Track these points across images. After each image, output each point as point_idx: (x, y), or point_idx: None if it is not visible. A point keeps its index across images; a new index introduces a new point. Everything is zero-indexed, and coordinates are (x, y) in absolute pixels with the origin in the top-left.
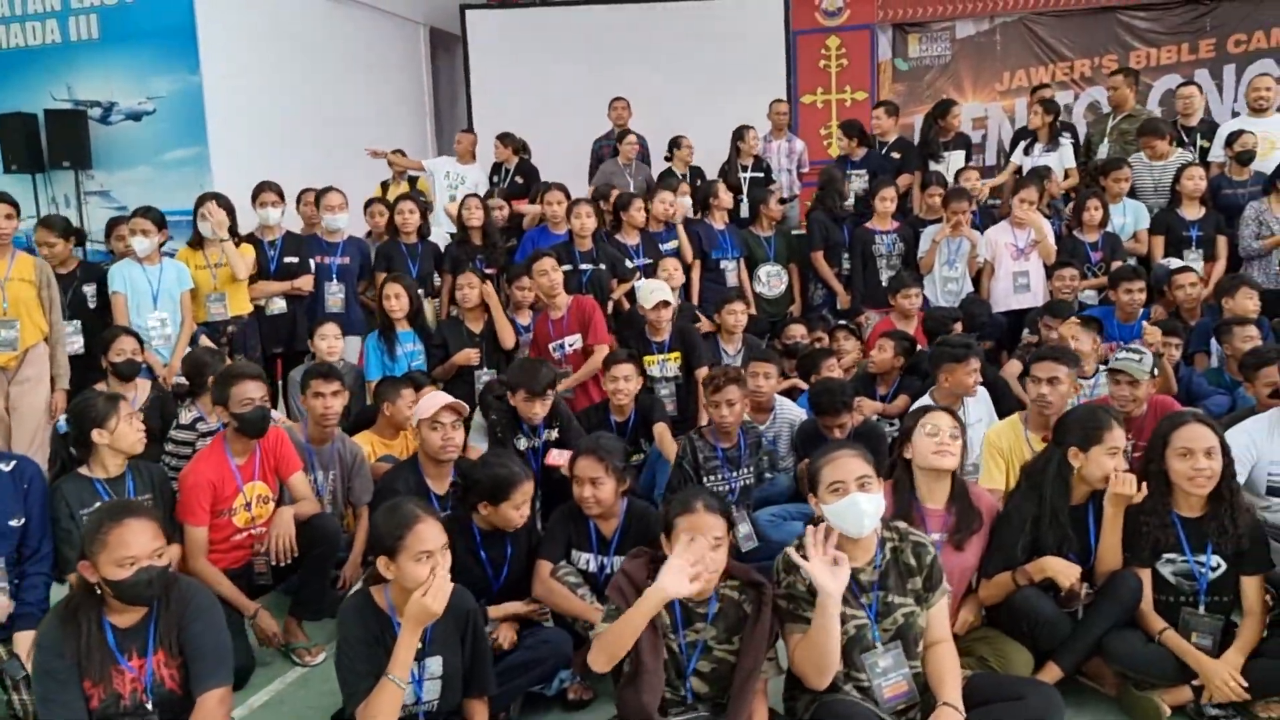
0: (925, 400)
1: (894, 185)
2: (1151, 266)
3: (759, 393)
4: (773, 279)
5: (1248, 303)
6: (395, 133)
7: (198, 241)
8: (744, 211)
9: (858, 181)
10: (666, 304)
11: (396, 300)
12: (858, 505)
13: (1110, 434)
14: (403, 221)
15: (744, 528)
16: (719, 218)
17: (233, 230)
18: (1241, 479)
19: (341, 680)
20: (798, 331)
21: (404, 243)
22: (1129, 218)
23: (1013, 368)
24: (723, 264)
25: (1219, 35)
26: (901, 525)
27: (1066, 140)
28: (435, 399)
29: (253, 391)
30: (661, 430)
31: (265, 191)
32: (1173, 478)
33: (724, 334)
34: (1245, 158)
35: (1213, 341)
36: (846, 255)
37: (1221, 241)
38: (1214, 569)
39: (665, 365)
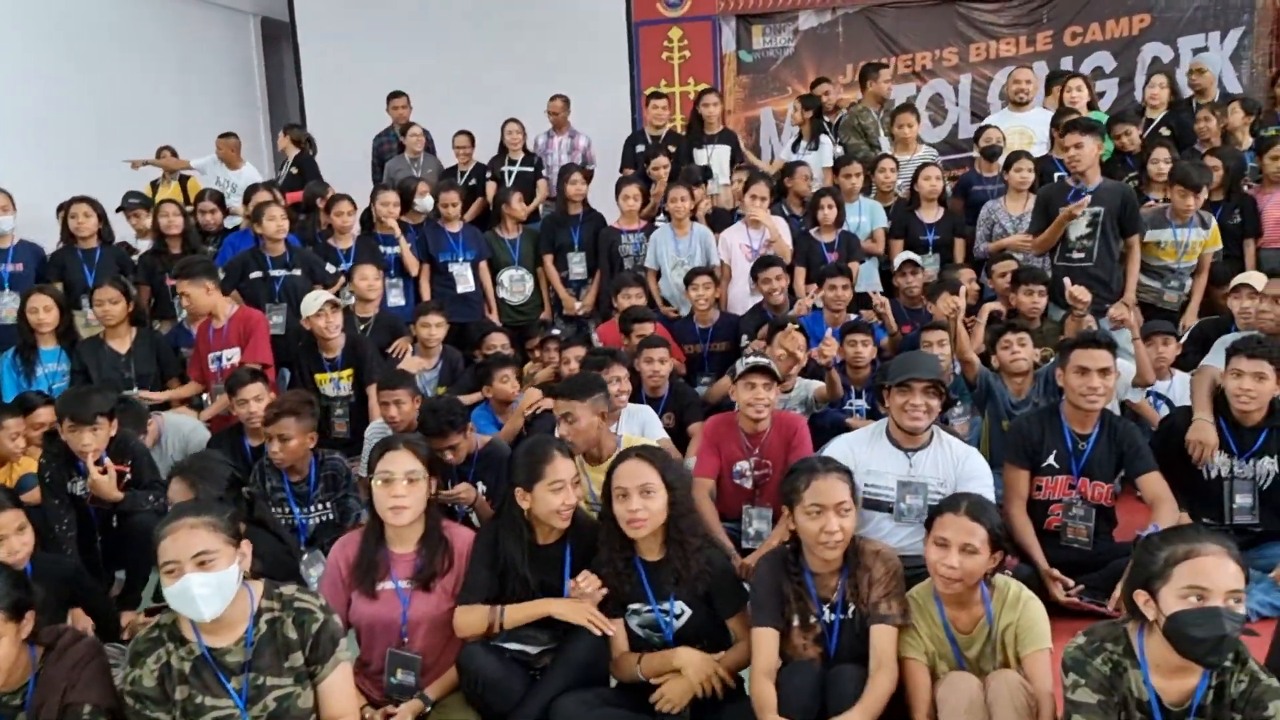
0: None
1: (637, 183)
2: None
3: (393, 421)
4: (515, 284)
5: (941, 306)
6: (223, 127)
7: None
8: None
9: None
10: (324, 313)
11: (45, 314)
12: (189, 591)
13: (552, 466)
14: (77, 225)
15: (314, 571)
16: (452, 219)
17: None
18: None
19: None
20: (498, 341)
21: (80, 248)
22: (865, 217)
23: (722, 385)
24: (451, 267)
25: (1055, 28)
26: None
27: (827, 139)
28: None
29: None
30: None
31: None
32: (618, 522)
33: (421, 348)
34: (991, 153)
35: None
36: (579, 256)
37: (959, 244)
38: (678, 616)
39: (339, 383)
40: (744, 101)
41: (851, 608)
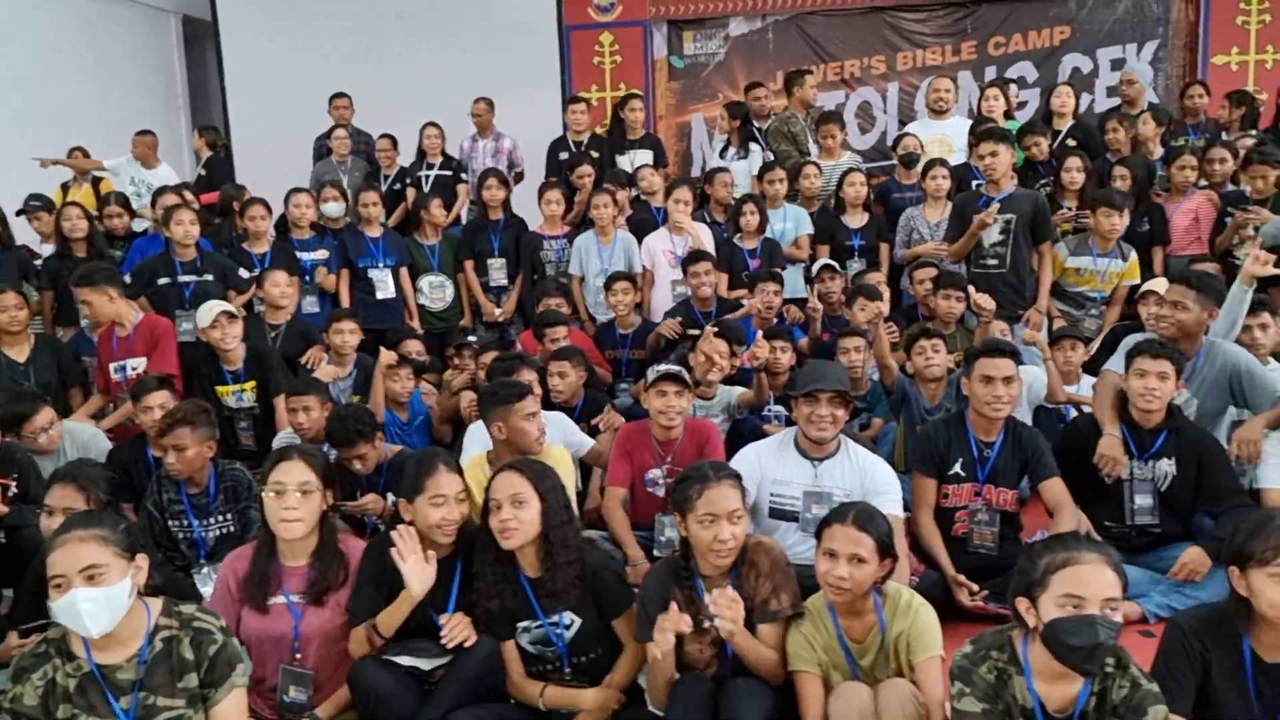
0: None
1: (560, 188)
2: None
3: (301, 428)
4: (435, 290)
5: (860, 314)
6: (142, 127)
7: None
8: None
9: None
10: (219, 324)
11: None
12: (75, 606)
13: (434, 480)
14: None
15: (206, 589)
16: (372, 223)
17: None
18: (749, 501)
19: None
20: (414, 346)
21: None
22: (790, 223)
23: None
24: (371, 273)
25: (980, 37)
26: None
27: (757, 146)
28: None
29: None
30: None
31: None
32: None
33: (335, 356)
34: (908, 160)
35: None
36: (499, 263)
37: (884, 249)
38: (569, 627)
39: (241, 395)
40: (675, 107)
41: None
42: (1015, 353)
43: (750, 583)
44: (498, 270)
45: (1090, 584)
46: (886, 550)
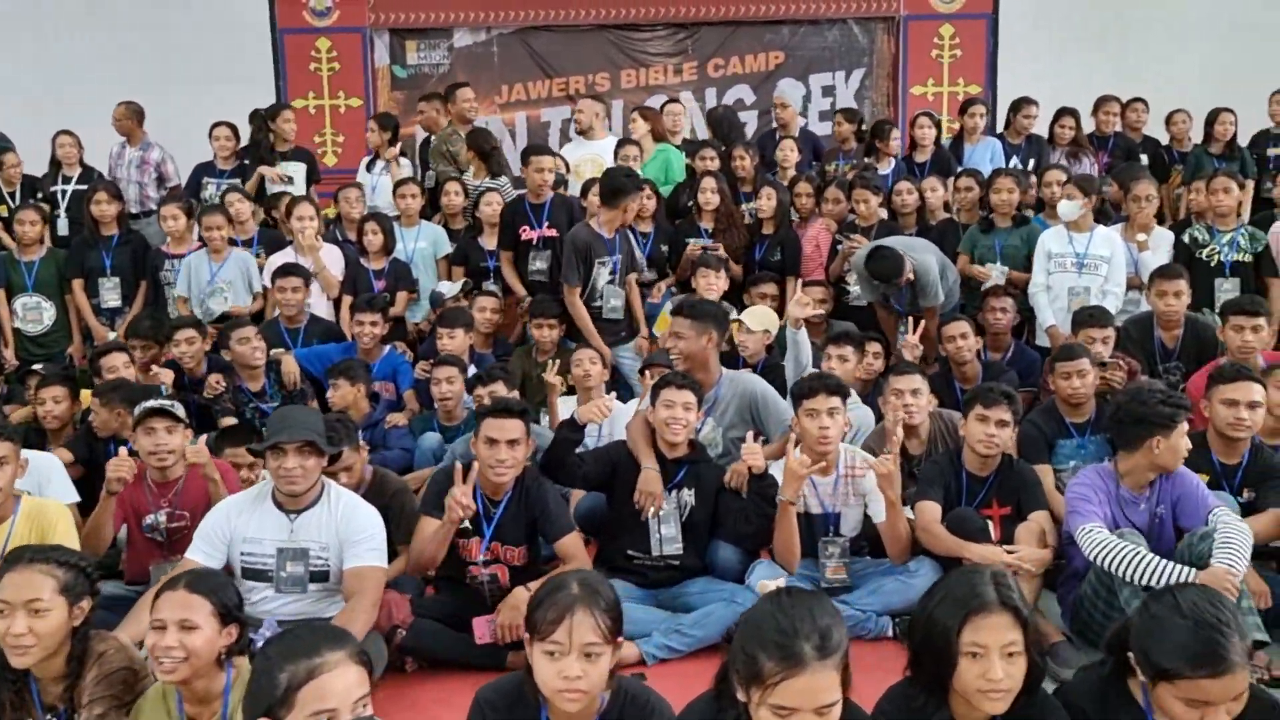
0: None
1: (178, 203)
2: None
3: None
4: (30, 312)
5: (538, 332)
6: None
7: None
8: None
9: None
10: None
11: None
12: None
13: None
14: None
15: None
16: None
17: None
18: (219, 561)
19: None
20: None
21: None
22: (424, 243)
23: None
24: None
25: (700, 58)
26: None
27: (407, 161)
28: None
29: None
30: None
31: None
32: None
33: None
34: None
35: None
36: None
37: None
38: None
39: None
40: (399, 118)
41: (81, 716)
42: (524, 412)
43: (78, 688)
44: (110, 290)
45: (329, 698)
46: (229, 613)
